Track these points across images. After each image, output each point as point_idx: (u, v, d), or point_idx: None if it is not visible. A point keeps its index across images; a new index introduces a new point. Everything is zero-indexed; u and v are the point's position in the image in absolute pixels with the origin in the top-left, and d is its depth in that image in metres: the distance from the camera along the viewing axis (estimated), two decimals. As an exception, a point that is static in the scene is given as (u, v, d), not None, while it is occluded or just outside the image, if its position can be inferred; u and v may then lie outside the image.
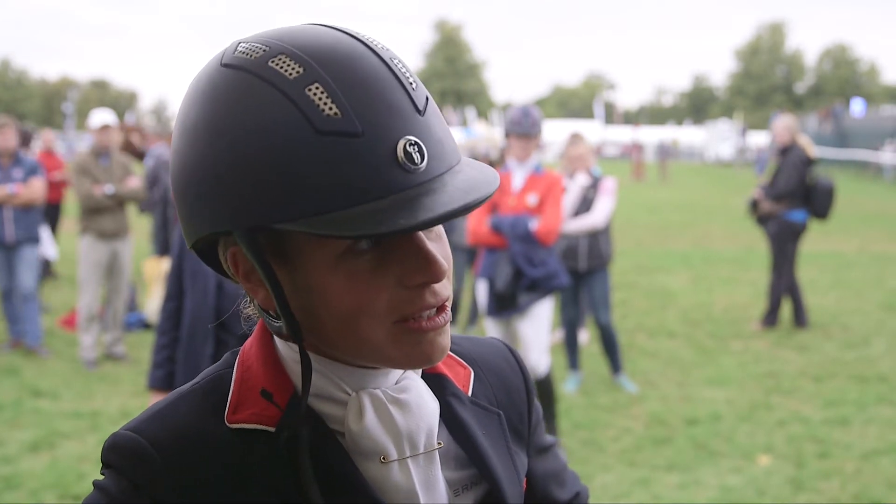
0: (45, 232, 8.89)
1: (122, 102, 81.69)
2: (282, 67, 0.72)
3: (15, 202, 6.59)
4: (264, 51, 0.74)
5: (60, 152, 15.83)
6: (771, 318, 7.75)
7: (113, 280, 6.75)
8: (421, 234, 0.77)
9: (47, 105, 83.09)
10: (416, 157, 0.72)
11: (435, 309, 0.78)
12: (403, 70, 0.76)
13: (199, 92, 0.76)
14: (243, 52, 0.75)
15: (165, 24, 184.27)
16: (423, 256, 0.75)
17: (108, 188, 6.50)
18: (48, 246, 9.21)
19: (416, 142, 0.73)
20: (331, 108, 0.71)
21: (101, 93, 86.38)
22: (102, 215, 6.52)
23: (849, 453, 4.75)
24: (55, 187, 10.04)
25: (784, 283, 7.68)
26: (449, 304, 0.80)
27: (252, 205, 0.72)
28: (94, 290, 6.60)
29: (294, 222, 0.71)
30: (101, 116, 6.67)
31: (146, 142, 10.30)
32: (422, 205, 0.70)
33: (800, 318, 7.74)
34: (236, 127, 0.72)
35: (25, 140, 9.47)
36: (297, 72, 0.72)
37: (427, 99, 0.76)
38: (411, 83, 0.75)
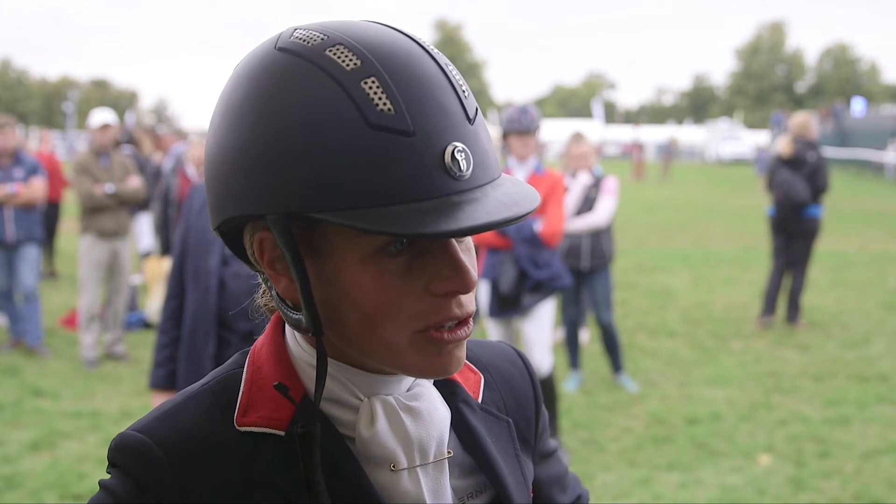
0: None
1: (122, 102, 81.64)
2: (339, 57, 0.72)
3: (15, 202, 6.59)
4: (322, 39, 0.73)
5: (60, 152, 15.81)
6: (765, 311, 7.85)
7: (113, 279, 6.76)
8: (454, 243, 0.76)
9: (47, 105, 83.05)
10: (463, 164, 0.72)
11: (457, 321, 0.77)
12: (458, 77, 0.76)
13: (250, 73, 0.75)
14: (300, 39, 0.74)
15: (165, 24, 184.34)
16: (454, 265, 0.75)
17: (109, 187, 6.50)
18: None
19: (464, 149, 0.72)
20: (385, 104, 0.70)
21: (101, 92, 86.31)
22: (103, 214, 6.53)
23: (849, 453, 4.75)
24: (53, 179, 9.98)
25: (771, 276, 7.91)
26: (472, 319, 0.79)
27: (293, 190, 0.71)
28: (94, 290, 6.60)
29: (333, 213, 0.70)
30: (102, 116, 6.67)
31: (160, 144, 10.23)
32: (464, 212, 0.69)
33: (790, 315, 7.83)
34: (287, 110, 0.71)
35: None
36: (355, 64, 0.71)
37: (477, 110, 0.76)
38: (464, 91, 0.75)
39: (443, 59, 0.76)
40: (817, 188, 7.53)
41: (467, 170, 0.72)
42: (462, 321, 0.78)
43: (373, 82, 0.71)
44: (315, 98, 0.71)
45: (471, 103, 0.75)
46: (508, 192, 0.75)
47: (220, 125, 0.77)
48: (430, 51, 0.75)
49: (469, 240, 0.79)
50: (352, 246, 0.74)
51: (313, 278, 0.76)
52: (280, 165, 0.71)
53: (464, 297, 0.77)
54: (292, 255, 0.74)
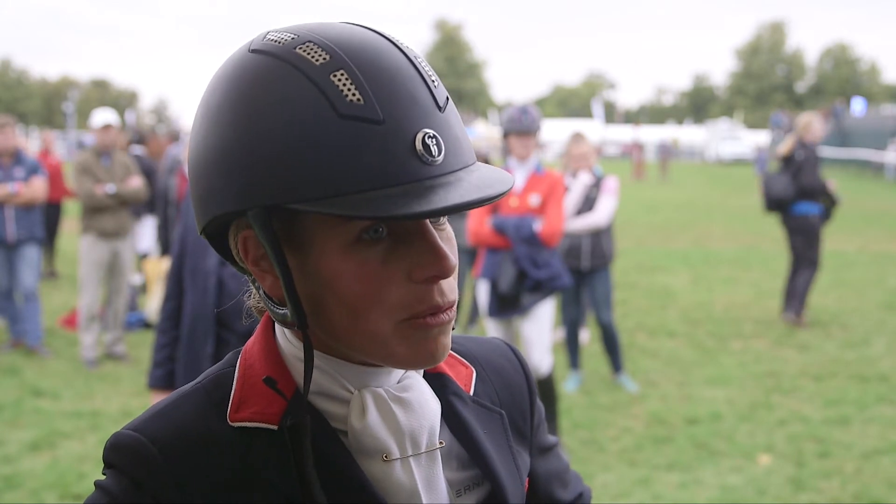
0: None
1: (122, 102, 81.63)
2: (308, 54, 0.74)
3: (16, 201, 6.59)
4: (293, 38, 0.76)
5: (61, 152, 15.79)
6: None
7: (114, 280, 6.76)
8: (432, 229, 0.77)
9: (47, 105, 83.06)
10: (434, 149, 0.73)
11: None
12: (426, 68, 0.78)
13: (226, 75, 0.78)
14: (272, 40, 0.77)
15: (165, 24, 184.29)
16: (432, 251, 0.76)
17: (110, 188, 6.50)
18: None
19: (434, 135, 0.74)
20: (354, 95, 0.72)
21: (101, 92, 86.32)
22: (103, 215, 6.53)
23: (849, 453, 4.75)
24: (55, 183, 9.96)
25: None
26: (454, 305, 0.80)
27: (269, 183, 0.73)
28: (94, 290, 6.60)
29: (309, 202, 0.71)
30: (104, 116, 6.67)
31: (160, 146, 10.14)
32: (437, 194, 0.71)
33: (785, 308, 8.00)
34: (261, 107, 0.74)
35: None
36: (324, 58, 0.74)
37: (447, 99, 0.78)
38: (433, 81, 0.77)
39: (412, 53, 0.78)
40: (801, 186, 7.67)
41: (439, 155, 0.74)
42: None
43: (342, 74, 0.73)
44: (286, 93, 0.73)
45: (440, 92, 0.77)
46: (482, 175, 0.76)
47: (200, 128, 0.79)
48: (400, 45, 0.77)
49: (448, 228, 0.81)
50: (331, 236, 0.75)
51: (296, 272, 0.77)
52: (256, 160, 0.73)
53: (445, 285, 0.78)
54: (274, 250, 0.75)
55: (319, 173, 0.71)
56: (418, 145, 0.73)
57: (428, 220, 0.77)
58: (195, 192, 0.81)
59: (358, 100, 0.72)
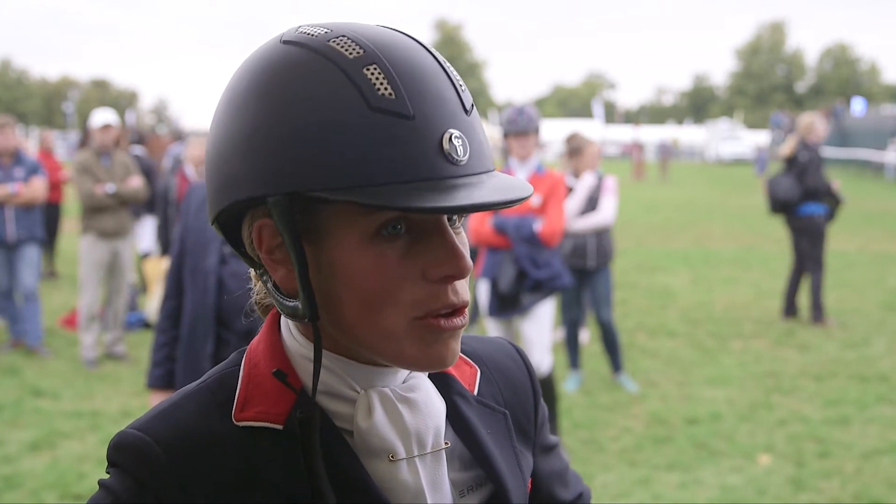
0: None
1: (122, 102, 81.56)
2: (342, 47, 0.75)
3: (16, 201, 6.60)
4: (326, 32, 0.76)
5: (60, 152, 15.78)
6: (785, 310, 8.18)
7: (114, 280, 6.76)
8: (450, 229, 0.78)
9: (47, 105, 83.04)
10: (460, 149, 0.74)
11: (453, 311, 0.79)
12: (454, 73, 0.79)
13: (254, 65, 0.78)
14: (305, 33, 0.77)
15: (165, 24, 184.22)
16: (449, 250, 0.76)
17: (110, 187, 6.50)
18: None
19: (460, 135, 0.75)
20: (386, 89, 0.73)
21: (101, 92, 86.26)
22: (103, 214, 6.53)
23: (849, 453, 4.75)
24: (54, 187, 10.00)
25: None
26: (467, 309, 0.80)
27: (295, 170, 0.73)
28: (94, 290, 6.60)
29: (335, 191, 0.71)
30: (103, 116, 6.67)
31: (160, 146, 10.14)
32: (460, 192, 0.72)
33: (786, 309, 8.13)
34: (290, 94, 0.74)
35: None
36: (358, 52, 0.74)
37: (472, 105, 0.79)
38: (461, 85, 0.78)
39: (440, 57, 0.78)
40: (806, 187, 7.71)
41: (464, 156, 0.74)
42: (457, 310, 0.79)
43: (375, 69, 0.73)
44: (318, 82, 0.73)
45: (467, 97, 0.78)
46: (503, 180, 0.77)
47: (223, 116, 0.79)
48: (429, 48, 0.78)
49: (463, 233, 0.81)
50: (350, 228, 0.75)
51: (311, 265, 0.77)
52: (282, 146, 0.73)
53: (459, 285, 0.79)
54: (292, 237, 0.75)
55: (346, 162, 0.71)
56: (445, 144, 0.73)
57: (447, 221, 0.78)
58: (213, 179, 0.80)
59: (390, 94, 0.72)
